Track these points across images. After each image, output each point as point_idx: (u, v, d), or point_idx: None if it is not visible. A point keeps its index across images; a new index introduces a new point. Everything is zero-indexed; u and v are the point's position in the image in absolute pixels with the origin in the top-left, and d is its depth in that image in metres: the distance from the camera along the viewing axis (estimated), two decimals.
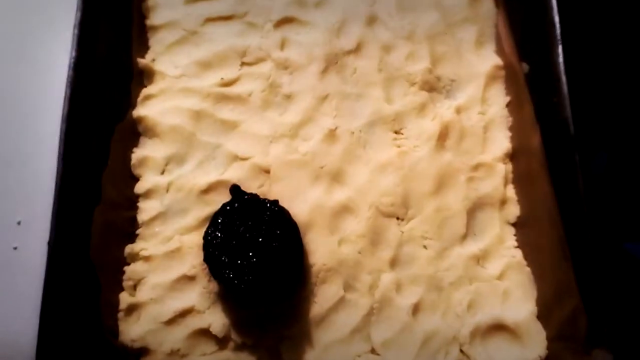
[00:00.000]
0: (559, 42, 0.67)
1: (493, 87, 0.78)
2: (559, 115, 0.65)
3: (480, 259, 0.71)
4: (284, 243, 0.65)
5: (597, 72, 0.82)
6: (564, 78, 0.66)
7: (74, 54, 0.71)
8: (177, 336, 0.68)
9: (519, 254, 0.71)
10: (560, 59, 0.66)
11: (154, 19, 0.83)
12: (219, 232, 0.66)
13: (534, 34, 0.71)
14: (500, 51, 0.79)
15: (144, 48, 0.82)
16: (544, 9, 0.69)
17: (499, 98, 0.77)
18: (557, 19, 0.68)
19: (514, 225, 0.73)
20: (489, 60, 0.79)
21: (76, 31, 0.72)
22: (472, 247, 0.71)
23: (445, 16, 0.81)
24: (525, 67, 0.72)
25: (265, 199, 0.69)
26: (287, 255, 0.65)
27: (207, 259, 0.66)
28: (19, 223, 0.79)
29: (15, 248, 0.78)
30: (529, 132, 0.70)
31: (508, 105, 0.77)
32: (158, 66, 0.80)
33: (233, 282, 0.63)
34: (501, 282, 0.70)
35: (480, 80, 0.78)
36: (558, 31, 0.67)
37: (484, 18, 0.81)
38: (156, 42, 0.82)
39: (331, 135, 0.75)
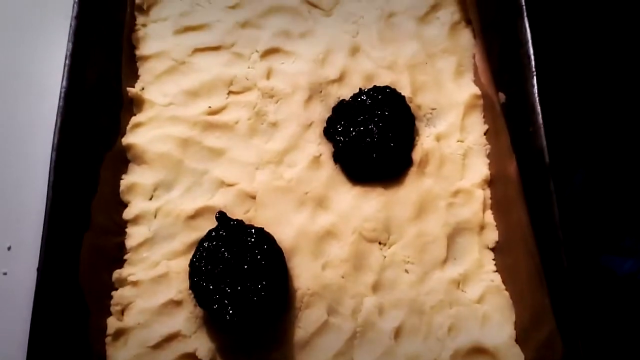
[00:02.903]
0: (534, 73, 0.69)
1: (471, 115, 0.80)
2: (534, 144, 0.66)
3: (460, 283, 0.73)
4: (268, 271, 0.66)
5: (571, 102, 0.85)
6: (538, 109, 0.67)
7: (64, 83, 0.72)
8: None
9: (497, 278, 0.73)
10: (535, 89, 0.68)
11: (143, 49, 0.84)
12: (204, 260, 0.67)
13: (510, 65, 0.73)
14: (477, 81, 0.81)
15: (134, 77, 0.83)
16: (520, 42, 0.71)
17: (477, 126, 0.80)
18: (531, 51, 0.70)
19: (492, 250, 0.74)
20: (467, 89, 0.81)
21: (67, 62, 0.73)
22: (452, 271, 0.73)
23: (426, 47, 0.83)
24: (501, 97, 0.74)
25: (251, 225, 0.70)
26: (271, 284, 0.66)
27: (192, 287, 0.67)
28: (8, 248, 0.80)
29: (4, 273, 0.78)
30: (506, 160, 0.72)
31: (486, 133, 0.79)
32: (147, 95, 0.82)
33: (218, 312, 0.64)
34: (480, 306, 0.71)
35: (459, 108, 0.80)
36: (533, 63, 0.69)
37: (463, 49, 0.84)
38: (146, 71, 0.84)
39: (315, 162, 0.77)
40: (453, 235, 0.74)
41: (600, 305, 0.77)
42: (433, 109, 0.81)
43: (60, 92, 0.72)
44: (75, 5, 0.76)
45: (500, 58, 0.76)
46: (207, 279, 0.66)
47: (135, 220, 0.76)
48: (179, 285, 0.72)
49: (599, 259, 0.80)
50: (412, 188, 0.76)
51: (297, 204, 0.75)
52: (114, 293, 0.72)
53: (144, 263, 0.74)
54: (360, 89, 0.79)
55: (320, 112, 0.80)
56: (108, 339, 0.70)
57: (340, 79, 0.82)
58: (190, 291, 0.68)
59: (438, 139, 0.79)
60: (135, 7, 0.86)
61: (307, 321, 0.70)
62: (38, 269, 0.65)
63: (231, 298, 0.64)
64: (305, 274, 0.72)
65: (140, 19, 0.86)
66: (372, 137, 0.75)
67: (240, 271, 0.65)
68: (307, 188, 0.76)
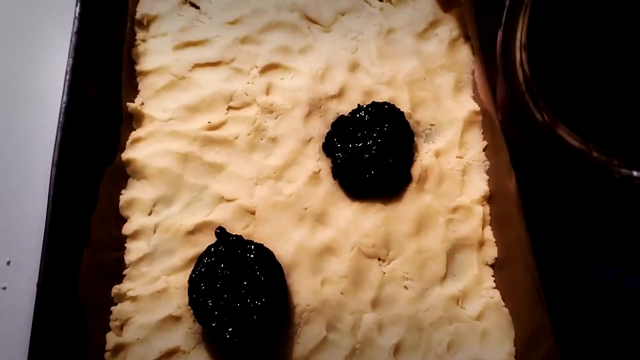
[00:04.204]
0: None
1: (470, 131, 0.80)
2: None
3: (459, 299, 0.72)
4: (267, 287, 0.66)
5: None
6: None
7: (64, 99, 0.72)
8: None
9: (497, 294, 0.72)
10: None
11: (143, 65, 0.85)
12: (203, 276, 0.67)
13: None
14: (476, 97, 0.82)
15: (134, 92, 0.84)
16: None
17: (476, 142, 0.80)
18: None
19: (492, 266, 0.74)
20: (466, 105, 0.81)
21: (67, 77, 0.74)
22: (452, 287, 0.73)
23: (425, 63, 0.84)
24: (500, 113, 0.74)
25: (250, 241, 0.71)
26: (270, 300, 0.66)
27: (192, 303, 0.67)
28: (8, 263, 0.80)
29: (4, 288, 0.78)
30: (505, 176, 0.72)
31: (485, 149, 0.79)
32: (147, 110, 0.82)
33: (218, 329, 0.64)
34: (480, 322, 0.71)
35: (458, 125, 0.80)
36: None
37: (461, 65, 0.84)
38: (145, 86, 0.84)
39: (315, 177, 0.78)
40: (452, 252, 0.74)
41: (589, 313, 0.77)
42: (432, 125, 0.81)
43: (61, 107, 0.72)
44: (75, 21, 0.77)
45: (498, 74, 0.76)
46: (207, 295, 0.66)
47: (135, 235, 0.76)
48: (178, 300, 0.72)
49: (587, 265, 0.79)
50: (411, 204, 0.76)
51: (297, 220, 0.75)
52: (113, 308, 0.72)
53: (143, 278, 0.74)
54: (359, 104, 0.80)
55: (320, 128, 0.80)
56: (107, 355, 0.70)
57: (339, 95, 0.82)
58: (190, 307, 0.68)
59: (437, 155, 0.79)
60: (135, 22, 0.87)
61: (306, 337, 0.70)
62: (37, 284, 0.65)
63: (230, 315, 0.64)
64: (304, 289, 0.72)
65: (140, 35, 0.87)
66: (370, 153, 0.75)
67: (240, 287, 0.66)
68: (306, 203, 0.76)
